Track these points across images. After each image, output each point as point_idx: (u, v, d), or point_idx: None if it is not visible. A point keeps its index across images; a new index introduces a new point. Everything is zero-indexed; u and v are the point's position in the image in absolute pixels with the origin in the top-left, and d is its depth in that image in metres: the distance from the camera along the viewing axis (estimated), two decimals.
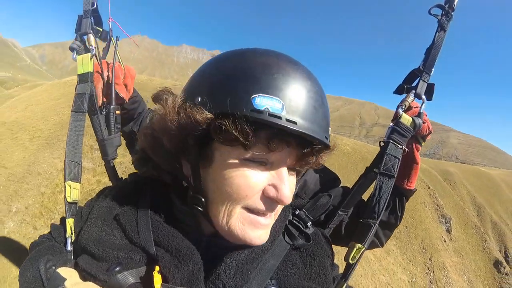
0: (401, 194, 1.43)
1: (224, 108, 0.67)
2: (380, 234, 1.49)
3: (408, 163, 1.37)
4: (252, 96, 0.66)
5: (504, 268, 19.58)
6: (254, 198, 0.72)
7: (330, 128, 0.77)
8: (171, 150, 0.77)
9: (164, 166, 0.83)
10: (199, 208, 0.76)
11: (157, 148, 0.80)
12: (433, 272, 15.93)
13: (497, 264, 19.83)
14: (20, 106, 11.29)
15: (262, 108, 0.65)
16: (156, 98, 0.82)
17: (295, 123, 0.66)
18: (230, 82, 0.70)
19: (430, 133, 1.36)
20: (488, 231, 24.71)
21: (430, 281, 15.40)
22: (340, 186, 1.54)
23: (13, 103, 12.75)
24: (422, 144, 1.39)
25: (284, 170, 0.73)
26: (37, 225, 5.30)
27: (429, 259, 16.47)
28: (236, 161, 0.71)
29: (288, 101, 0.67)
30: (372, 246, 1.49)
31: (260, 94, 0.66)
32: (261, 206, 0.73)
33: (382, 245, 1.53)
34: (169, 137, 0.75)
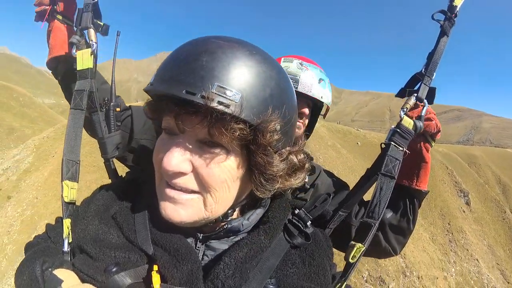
0: (412, 196, 1.39)
1: None
2: (392, 240, 1.43)
3: (417, 162, 1.35)
4: None
5: None
6: (161, 167, 0.72)
7: (216, 84, 0.65)
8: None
9: None
10: None
11: None
12: (452, 234, 18.71)
13: None
14: None
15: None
16: None
17: (151, 85, 0.71)
18: None
19: (439, 131, 1.33)
20: None
21: (450, 240, 18.23)
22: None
23: None
24: (432, 144, 1.37)
25: (179, 138, 0.72)
26: None
27: (448, 223, 19.30)
28: (162, 131, 0.78)
29: (159, 69, 0.72)
30: (384, 253, 1.47)
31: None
32: (165, 176, 0.74)
33: (395, 252, 1.47)
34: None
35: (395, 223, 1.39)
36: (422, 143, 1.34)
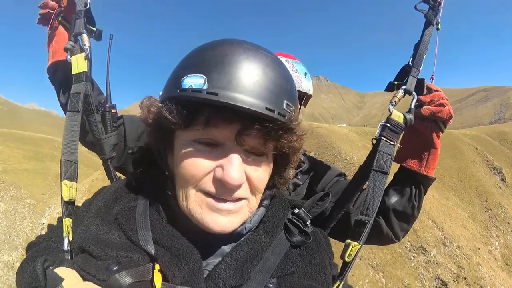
0: (418, 182, 1.35)
1: (163, 95, 0.74)
2: (395, 226, 1.39)
3: (427, 148, 1.31)
4: (182, 79, 0.69)
5: None
6: (205, 179, 0.72)
7: (285, 101, 0.71)
8: (152, 144, 0.83)
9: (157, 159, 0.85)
10: (170, 193, 0.79)
11: (151, 146, 0.85)
12: (491, 210, 19.22)
13: None
14: None
15: (187, 87, 0.67)
16: (140, 104, 0.83)
17: (216, 94, 0.65)
18: (173, 72, 0.75)
19: (451, 117, 1.28)
20: None
21: (490, 217, 18.76)
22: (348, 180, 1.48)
23: None
24: (443, 130, 1.32)
25: (232, 150, 0.71)
26: None
27: (485, 201, 19.85)
28: (187, 142, 0.73)
29: (213, 75, 0.67)
30: (386, 240, 1.44)
31: (188, 75, 0.69)
32: (212, 188, 0.72)
33: (397, 238, 1.45)
34: (148, 133, 0.82)
35: (400, 209, 1.36)
36: (433, 130, 1.30)
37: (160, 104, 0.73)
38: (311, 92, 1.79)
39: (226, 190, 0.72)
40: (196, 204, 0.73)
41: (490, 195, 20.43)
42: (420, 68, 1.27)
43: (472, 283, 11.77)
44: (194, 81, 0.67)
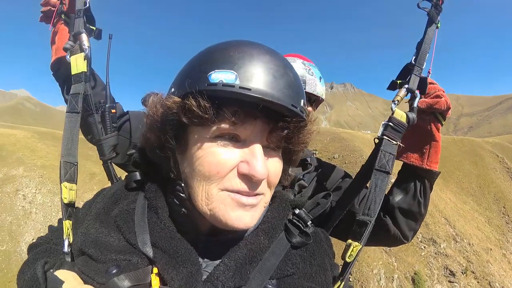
0: (421, 177, 1.31)
1: (185, 89, 0.69)
2: (402, 225, 1.34)
3: (428, 141, 1.28)
4: (209, 74, 0.67)
5: None
6: (228, 176, 0.70)
7: (302, 100, 0.73)
8: (156, 143, 0.77)
9: (157, 161, 0.81)
10: (182, 195, 0.75)
11: (149, 146, 0.81)
12: (508, 216, 19.54)
13: None
14: None
15: (217, 81, 0.65)
16: (144, 100, 0.81)
17: (249, 89, 0.65)
18: (192, 67, 0.73)
19: (449, 109, 1.26)
20: None
21: (506, 222, 19.11)
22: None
23: None
24: (443, 123, 1.29)
25: (256, 145, 0.70)
26: None
27: (503, 206, 20.18)
28: (207, 139, 0.70)
29: (243, 72, 0.66)
30: (394, 241, 1.38)
31: (216, 70, 0.67)
32: (237, 185, 0.70)
33: (406, 238, 1.37)
34: (153, 131, 0.77)
35: (405, 207, 1.31)
36: (432, 122, 1.27)
37: (179, 99, 0.69)
38: (323, 97, 1.77)
39: (251, 185, 0.70)
40: (219, 203, 0.70)
41: (508, 201, 20.76)
42: (423, 67, 1.24)
43: (480, 278, 12.43)
44: (224, 76, 0.66)
